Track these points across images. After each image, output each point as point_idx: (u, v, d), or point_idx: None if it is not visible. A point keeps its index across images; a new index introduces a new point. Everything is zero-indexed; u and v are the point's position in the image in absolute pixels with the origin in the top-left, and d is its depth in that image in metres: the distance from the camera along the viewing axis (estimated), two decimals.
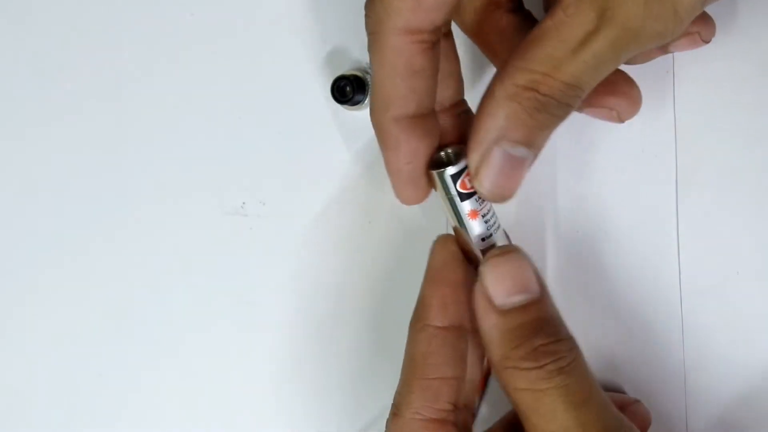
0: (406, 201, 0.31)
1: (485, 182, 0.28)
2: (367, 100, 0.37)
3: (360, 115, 0.38)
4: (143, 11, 0.40)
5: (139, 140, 0.39)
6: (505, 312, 0.28)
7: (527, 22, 0.33)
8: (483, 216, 0.30)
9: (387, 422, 0.31)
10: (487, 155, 0.28)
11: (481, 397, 0.32)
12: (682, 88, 0.35)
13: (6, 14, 0.41)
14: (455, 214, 0.30)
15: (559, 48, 0.26)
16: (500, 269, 0.29)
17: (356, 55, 0.38)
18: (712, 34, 0.33)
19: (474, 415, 0.32)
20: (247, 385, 0.38)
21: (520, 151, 0.28)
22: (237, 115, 0.39)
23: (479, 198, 0.30)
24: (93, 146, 0.40)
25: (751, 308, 0.34)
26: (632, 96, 0.33)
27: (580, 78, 0.26)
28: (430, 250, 0.31)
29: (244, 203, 0.39)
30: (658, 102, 0.35)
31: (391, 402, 0.31)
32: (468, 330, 0.31)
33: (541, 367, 0.27)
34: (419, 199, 0.31)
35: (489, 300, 0.28)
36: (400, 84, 0.29)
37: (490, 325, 0.28)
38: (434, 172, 0.30)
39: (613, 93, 0.32)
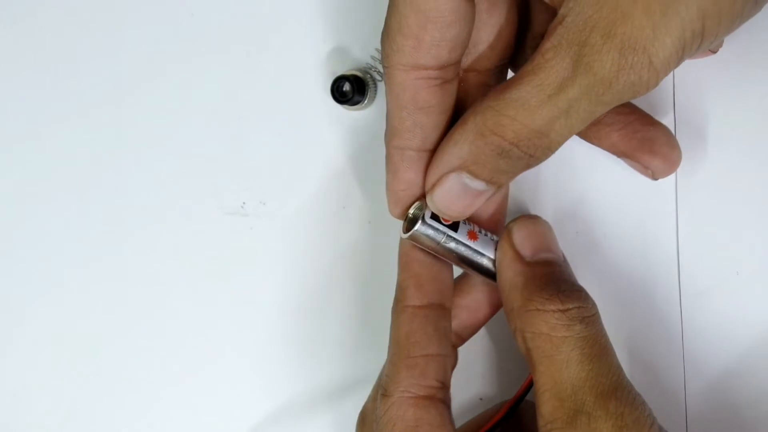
0: (397, 217, 0.32)
1: (436, 202, 0.30)
2: (366, 100, 0.37)
3: (360, 115, 0.38)
4: (143, 11, 0.40)
5: (139, 140, 0.39)
6: (531, 264, 0.30)
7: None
8: (478, 231, 0.31)
9: (367, 406, 0.31)
10: (444, 179, 0.29)
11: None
12: (682, 88, 0.35)
13: (7, 15, 0.41)
14: (461, 251, 0.31)
15: (533, 93, 0.26)
16: (530, 229, 0.30)
17: (356, 55, 0.38)
18: (720, 44, 0.33)
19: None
20: (247, 384, 0.38)
21: (478, 184, 0.29)
22: (237, 115, 0.39)
23: (465, 221, 0.31)
24: (93, 146, 0.40)
25: (751, 308, 0.34)
26: (671, 158, 0.33)
27: (551, 126, 0.26)
28: (401, 239, 0.32)
29: (244, 203, 0.39)
30: (658, 102, 0.35)
31: (379, 385, 0.31)
32: (448, 308, 0.31)
33: (565, 310, 0.28)
34: (400, 216, 0.32)
35: (516, 252, 0.30)
36: (405, 118, 0.30)
37: (515, 273, 0.30)
38: (411, 236, 0.31)
39: (652, 152, 0.33)
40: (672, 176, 0.35)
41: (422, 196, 0.31)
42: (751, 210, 0.34)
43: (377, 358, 0.37)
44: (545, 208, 0.36)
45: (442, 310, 0.31)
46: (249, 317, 0.38)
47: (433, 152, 0.31)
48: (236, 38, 0.39)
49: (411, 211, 0.31)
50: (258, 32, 0.38)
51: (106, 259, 0.40)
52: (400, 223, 0.36)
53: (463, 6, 0.28)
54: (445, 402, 0.30)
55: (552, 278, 0.29)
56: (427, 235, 0.30)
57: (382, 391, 0.31)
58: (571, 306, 0.28)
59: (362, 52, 0.37)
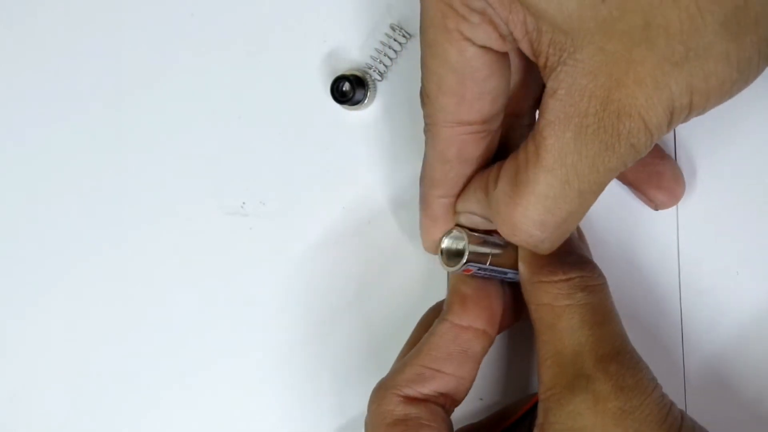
0: (428, 251, 0.33)
1: (462, 221, 0.32)
2: (366, 100, 0.37)
3: (360, 115, 0.38)
4: (143, 11, 0.40)
5: (139, 140, 0.39)
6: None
7: None
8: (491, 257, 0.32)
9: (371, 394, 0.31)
10: (470, 215, 0.31)
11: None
12: None
13: (7, 15, 0.41)
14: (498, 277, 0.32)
15: (540, 176, 0.26)
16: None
17: (356, 55, 0.38)
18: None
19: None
20: (247, 384, 0.38)
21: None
22: (237, 115, 0.39)
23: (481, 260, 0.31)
24: (93, 146, 0.40)
25: (751, 308, 0.34)
26: (675, 193, 0.34)
27: (566, 210, 0.27)
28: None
29: (244, 203, 0.39)
30: None
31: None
32: (487, 336, 0.31)
33: (567, 280, 0.29)
34: (433, 251, 0.33)
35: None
36: (449, 171, 0.31)
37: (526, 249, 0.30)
38: (454, 270, 0.31)
39: (658, 186, 0.34)
40: None
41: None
42: (751, 210, 0.34)
43: (377, 358, 0.37)
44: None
45: (479, 334, 0.31)
46: (249, 317, 0.38)
47: None
48: (236, 38, 0.39)
49: (446, 242, 0.32)
50: (258, 32, 0.38)
51: (106, 258, 0.40)
52: (399, 224, 0.36)
53: (496, 59, 0.28)
54: (443, 407, 0.31)
55: (559, 251, 0.29)
56: (471, 268, 0.31)
57: (380, 383, 0.31)
58: (573, 275, 0.29)
59: (362, 52, 0.37)
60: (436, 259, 0.32)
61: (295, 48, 0.38)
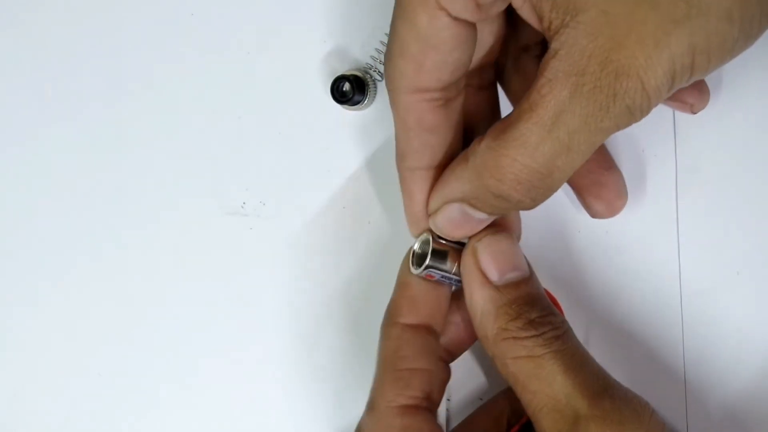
0: (416, 236, 0.33)
1: (438, 226, 0.31)
2: (366, 100, 0.37)
3: (360, 115, 0.38)
4: (143, 11, 0.40)
5: (139, 140, 0.39)
6: (500, 287, 0.30)
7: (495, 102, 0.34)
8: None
9: (361, 421, 0.31)
10: (446, 207, 0.30)
11: None
12: None
13: (6, 14, 0.41)
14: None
15: (533, 130, 0.26)
16: (494, 248, 0.30)
17: (356, 55, 0.38)
18: (704, 106, 0.34)
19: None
20: (246, 384, 0.38)
21: (479, 215, 0.29)
22: (237, 115, 0.39)
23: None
24: (93, 146, 0.40)
25: (751, 308, 0.34)
26: (613, 206, 0.34)
27: (552, 165, 0.26)
28: (403, 259, 0.33)
29: (244, 203, 0.39)
30: None
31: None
32: (438, 331, 0.32)
33: (540, 335, 0.29)
34: (416, 235, 0.33)
35: (483, 276, 0.30)
36: (413, 139, 0.31)
37: (485, 299, 0.30)
38: (418, 275, 0.32)
39: (598, 196, 0.34)
40: (672, 176, 0.35)
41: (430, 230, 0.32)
42: (751, 210, 0.34)
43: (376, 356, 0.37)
44: (547, 207, 0.36)
45: (430, 331, 0.32)
46: (249, 317, 0.38)
47: (442, 169, 0.31)
48: (236, 38, 0.39)
49: (417, 245, 0.32)
50: (258, 32, 0.38)
51: (106, 258, 0.40)
52: (399, 224, 0.36)
53: (464, 31, 0.28)
54: (432, 411, 0.31)
55: (523, 303, 0.30)
56: (433, 274, 0.31)
57: (368, 405, 0.31)
58: (545, 329, 0.29)
59: (362, 52, 0.37)
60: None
61: (295, 48, 0.38)
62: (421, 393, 0.30)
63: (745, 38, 0.25)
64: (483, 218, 0.30)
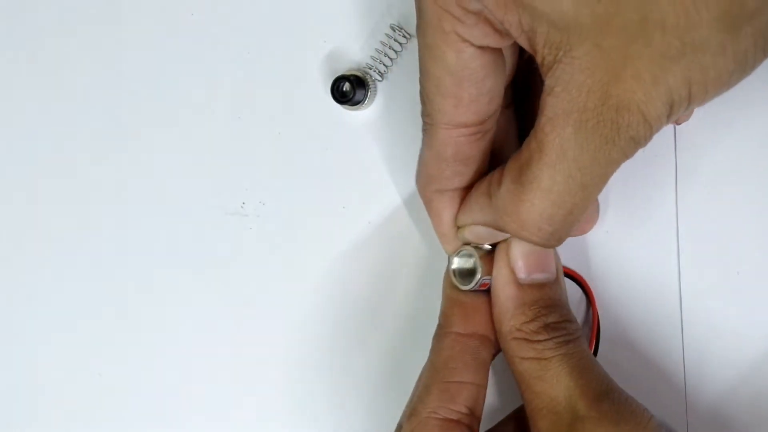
0: (452, 253, 0.33)
1: (467, 238, 0.32)
2: (366, 100, 0.37)
3: (360, 115, 0.38)
4: (143, 11, 0.40)
5: (139, 140, 0.39)
6: (524, 287, 0.31)
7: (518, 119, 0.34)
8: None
9: (399, 423, 0.31)
10: (474, 226, 0.31)
11: None
12: None
13: (6, 13, 0.41)
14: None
15: (545, 171, 0.26)
16: (528, 246, 0.31)
17: (356, 55, 0.38)
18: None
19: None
20: (246, 384, 0.38)
21: (505, 234, 0.31)
22: (237, 115, 0.39)
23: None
24: (92, 146, 0.40)
25: (751, 308, 0.34)
26: (582, 228, 0.35)
27: (571, 201, 0.27)
28: (444, 274, 0.33)
29: (244, 203, 0.39)
30: None
31: (406, 404, 0.32)
32: (491, 341, 0.32)
33: (550, 339, 0.30)
34: (451, 252, 0.33)
35: (511, 272, 0.31)
36: (445, 168, 0.31)
37: (506, 295, 0.31)
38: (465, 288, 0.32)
39: None
40: (672, 176, 0.35)
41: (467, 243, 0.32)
42: (751, 210, 0.34)
43: (377, 356, 0.37)
44: None
45: (484, 340, 0.32)
46: (248, 317, 0.38)
47: (469, 189, 0.32)
48: (236, 38, 0.39)
49: (456, 261, 0.32)
50: (258, 32, 0.38)
51: (106, 259, 0.40)
52: (400, 223, 0.36)
53: (492, 59, 0.28)
54: (471, 429, 0.31)
55: (543, 305, 0.30)
56: (486, 282, 0.32)
57: (409, 410, 0.31)
58: (556, 335, 0.30)
59: (362, 52, 0.37)
60: (446, 277, 0.33)
61: (295, 48, 0.38)
62: (465, 408, 0.31)
63: (740, 71, 0.25)
64: (508, 234, 0.30)
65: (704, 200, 0.35)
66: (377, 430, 0.37)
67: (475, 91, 0.28)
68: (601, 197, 0.35)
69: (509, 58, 0.31)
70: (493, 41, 0.27)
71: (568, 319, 0.31)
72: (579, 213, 0.27)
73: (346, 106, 0.37)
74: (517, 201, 0.27)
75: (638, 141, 0.26)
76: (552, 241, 0.28)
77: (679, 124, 0.34)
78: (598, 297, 0.35)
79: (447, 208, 0.32)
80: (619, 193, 0.35)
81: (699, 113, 0.34)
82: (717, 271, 0.35)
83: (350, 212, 0.38)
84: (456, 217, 0.32)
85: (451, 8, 0.26)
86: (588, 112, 0.25)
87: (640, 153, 0.35)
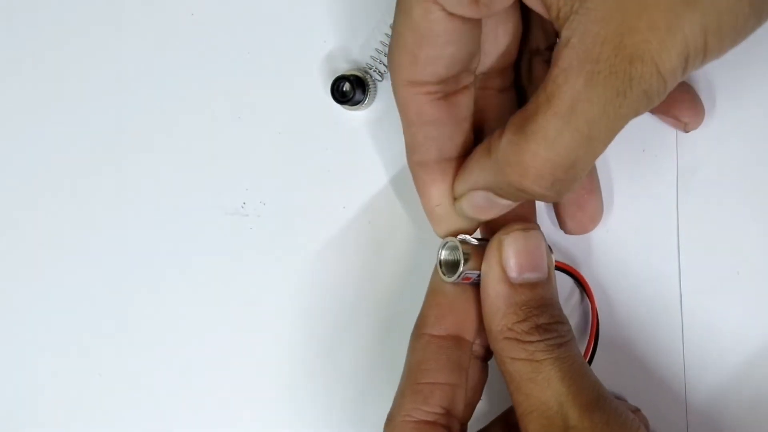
0: (443, 236, 0.32)
1: (465, 211, 0.31)
2: (366, 100, 0.37)
3: (360, 115, 0.38)
4: (143, 11, 0.39)
5: (139, 140, 0.39)
6: (515, 285, 0.30)
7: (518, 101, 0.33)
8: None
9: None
10: (471, 193, 0.30)
11: None
12: None
13: (6, 13, 0.41)
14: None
15: (552, 122, 0.26)
16: (521, 244, 0.30)
17: (356, 55, 0.37)
18: (698, 126, 0.34)
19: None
20: (246, 384, 0.38)
21: (504, 201, 0.29)
22: (237, 115, 0.39)
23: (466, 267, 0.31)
24: (93, 146, 0.40)
25: (751, 308, 0.34)
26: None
27: (575, 156, 0.26)
28: (433, 270, 0.32)
29: (244, 203, 0.39)
30: None
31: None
32: (468, 342, 0.31)
33: (542, 341, 0.29)
34: (455, 234, 0.32)
35: (503, 270, 0.30)
36: (416, 132, 0.31)
37: (497, 294, 0.30)
38: (451, 280, 0.31)
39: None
40: (673, 176, 0.35)
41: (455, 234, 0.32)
42: (751, 210, 0.34)
43: (377, 357, 0.37)
44: (548, 207, 0.36)
45: (459, 341, 0.31)
46: (249, 317, 0.38)
47: (455, 161, 0.31)
48: (236, 38, 0.39)
49: (443, 253, 0.32)
50: (258, 32, 0.38)
51: (106, 259, 0.40)
52: (400, 223, 0.36)
53: (461, 27, 0.28)
54: (450, 429, 0.30)
55: (534, 306, 0.30)
56: (470, 276, 0.31)
57: (387, 416, 0.31)
58: (548, 337, 0.29)
59: (362, 52, 0.37)
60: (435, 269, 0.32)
61: (295, 48, 0.38)
62: (440, 409, 0.30)
63: (757, 16, 0.24)
64: (508, 204, 0.29)
65: (705, 200, 0.35)
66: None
67: (433, 53, 0.28)
68: (602, 197, 0.35)
69: (504, 37, 0.31)
70: (468, 11, 0.27)
71: (560, 320, 0.30)
72: (582, 168, 0.27)
73: (346, 106, 0.37)
74: (519, 150, 0.27)
75: (650, 96, 0.25)
76: (551, 192, 0.27)
77: (688, 131, 0.34)
78: (598, 296, 0.35)
79: (432, 182, 0.31)
80: (620, 193, 0.35)
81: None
82: (717, 271, 0.35)
83: (350, 212, 0.38)
84: (442, 194, 0.31)
85: None
86: (601, 62, 0.24)
87: (642, 153, 0.35)
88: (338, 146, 0.38)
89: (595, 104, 0.25)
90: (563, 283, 0.35)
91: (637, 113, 0.26)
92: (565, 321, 0.30)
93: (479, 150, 0.29)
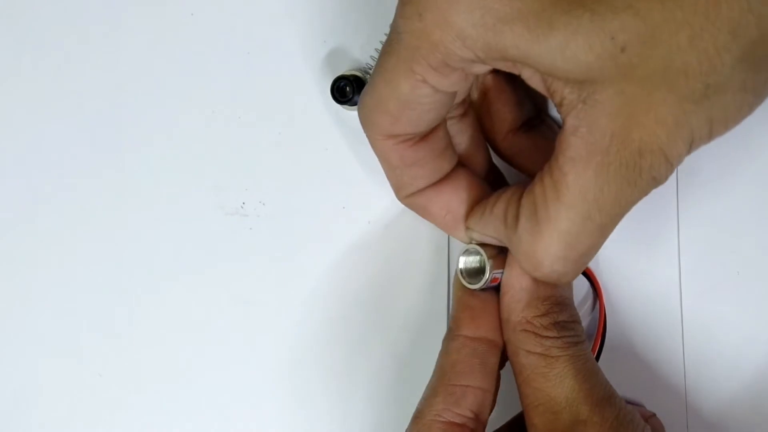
0: (468, 242, 0.33)
1: (477, 239, 0.32)
2: None
3: None
4: (143, 11, 0.39)
5: (139, 140, 0.39)
6: (539, 281, 0.30)
7: (543, 138, 0.34)
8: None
9: (407, 429, 0.31)
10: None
11: None
12: None
13: (5, 13, 0.41)
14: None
15: (563, 213, 0.26)
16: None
17: (356, 55, 0.37)
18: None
19: None
20: (246, 385, 0.38)
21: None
22: (237, 115, 0.39)
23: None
24: (92, 146, 0.40)
25: (751, 308, 0.34)
26: None
27: (587, 242, 0.27)
28: (455, 276, 0.33)
29: (244, 203, 0.39)
30: None
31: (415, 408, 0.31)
32: (500, 346, 0.32)
33: (559, 337, 0.30)
34: (467, 240, 0.33)
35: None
36: (401, 175, 0.31)
37: (521, 286, 0.31)
38: (472, 286, 0.32)
39: None
40: (673, 176, 0.35)
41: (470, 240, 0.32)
42: (751, 210, 0.34)
43: (377, 356, 0.37)
44: None
45: (492, 345, 0.31)
46: (249, 317, 0.38)
47: (450, 176, 0.32)
48: (236, 38, 0.39)
49: (463, 260, 0.32)
50: (258, 32, 0.38)
51: (106, 259, 0.40)
52: (399, 223, 0.36)
53: (444, 97, 0.28)
54: None
55: (555, 302, 0.30)
56: (497, 276, 0.32)
57: (416, 413, 0.31)
58: (566, 334, 0.30)
59: (362, 52, 0.37)
60: (455, 277, 0.33)
61: (295, 48, 0.38)
62: (470, 413, 0.30)
63: (759, 101, 0.25)
64: None
65: (705, 200, 0.35)
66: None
67: (416, 117, 0.29)
68: None
69: (468, 82, 0.31)
70: (457, 86, 0.28)
71: (576, 320, 0.31)
72: (593, 253, 0.28)
73: (346, 106, 0.37)
74: (532, 241, 0.27)
75: (659, 180, 0.26)
76: (564, 280, 0.29)
77: None
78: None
79: (431, 204, 0.32)
80: None
81: None
82: (717, 271, 0.35)
83: (350, 212, 0.38)
84: (466, 219, 0.32)
85: (431, 59, 0.26)
86: (611, 155, 0.25)
87: None
88: (338, 146, 0.38)
89: (606, 194, 0.26)
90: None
91: (645, 195, 0.27)
92: (579, 321, 0.31)
93: (495, 212, 0.30)
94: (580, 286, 0.35)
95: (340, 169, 0.38)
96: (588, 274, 0.35)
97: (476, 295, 0.32)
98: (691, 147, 0.26)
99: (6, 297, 0.41)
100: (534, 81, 0.26)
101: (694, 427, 0.35)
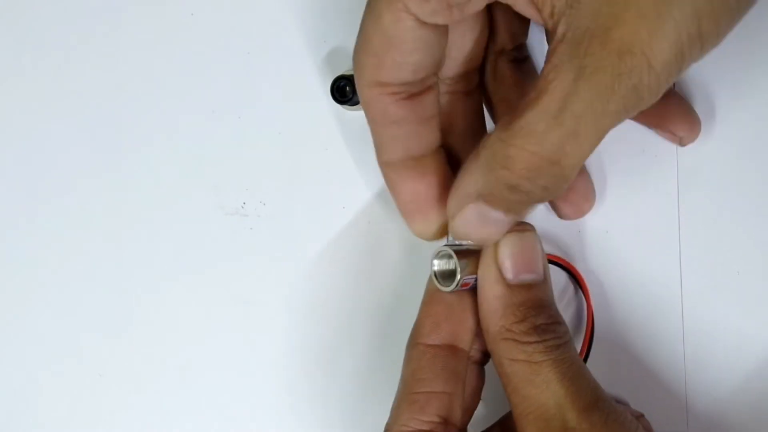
0: (420, 236, 0.32)
1: (458, 231, 0.30)
2: None
3: (360, 116, 0.38)
4: (143, 11, 0.39)
5: (139, 140, 0.39)
6: (512, 286, 0.29)
7: (528, 72, 0.33)
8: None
9: None
10: (464, 210, 0.29)
11: None
12: (685, 87, 0.35)
13: (6, 13, 0.41)
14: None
15: (539, 117, 0.25)
16: (516, 246, 0.30)
17: None
18: (693, 140, 0.34)
19: None
20: (246, 385, 0.38)
21: (497, 214, 0.28)
22: (237, 115, 0.39)
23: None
24: (92, 146, 0.40)
25: (751, 308, 0.34)
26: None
27: (561, 151, 0.26)
28: (428, 280, 0.32)
29: (244, 203, 0.39)
30: None
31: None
32: (464, 350, 0.31)
33: (541, 341, 0.29)
34: (431, 235, 0.32)
35: (499, 272, 0.30)
36: (381, 132, 0.31)
37: (494, 295, 0.30)
38: (446, 289, 0.31)
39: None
40: (673, 176, 0.35)
41: (445, 232, 0.31)
42: (751, 210, 0.34)
43: (376, 357, 0.37)
44: (546, 206, 0.36)
45: (455, 350, 0.31)
46: (249, 317, 0.38)
47: (422, 159, 0.31)
48: (236, 38, 0.39)
49: (436, 263, 0.31)
50: (258, 32, 0.38)
51: (106, 259, 0.40)
52: (399, 223, 0.36)
53: (430, 34, 0.28)
54: None
55: (532, 306, 0.29)
56: (468, 281, 0.31)
57: (385, 428, 0.31)
58: (547, 337, 0.29)
59: None
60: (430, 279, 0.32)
61: (295, 48, 0.38)
62: (437, 418, 0.30)
63: None
64: (500, 218, 0.29)
65: (705, 200, 0.35)
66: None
67: (400, 59, 0.28)
68: (602, 197, 0.35)
69: (470, 42, 0.31)
70: (441, 18, 0.27)
71: (557, 321, 0.30)
72: (570, 165, 0.26)
73: (346, 106, 0.37)
74: (506, 146, 0.26)
75: (641, 91, 0.24)
76: (539, 188, 0.27)
77: (684, 145, 0.34)
78: (598, 297, 0.35)
79: (401, 181, 0.31)
80: (621, 193, 0.35)
81: (699, 113, 0.34)
82: (717, 271, 0.35)
83: (350, 212, 0.38)
84: (420, 185, 0.31)
85: None
86: (588, 57, 0.24)
87: (642, 154, 0.35)
88: (338, 146, 0.38)
89: (582, 100, 0.24)
90: (557, 279, 0.35)
91: (627, 111, 0.25)
92: (562, 321, 0.30)
93: (469, 157, 0.29)
94: (559, 274, 0.34)
95: (340, 169, 0.38)
96: (572, 272, 0.34)
97: (442, 302, 0.31)
98: (682, 54, 0.24)
99: (6, 297, 0.41)
100: (520, 4, 0.26)
101: (694, 427, 0.35)
